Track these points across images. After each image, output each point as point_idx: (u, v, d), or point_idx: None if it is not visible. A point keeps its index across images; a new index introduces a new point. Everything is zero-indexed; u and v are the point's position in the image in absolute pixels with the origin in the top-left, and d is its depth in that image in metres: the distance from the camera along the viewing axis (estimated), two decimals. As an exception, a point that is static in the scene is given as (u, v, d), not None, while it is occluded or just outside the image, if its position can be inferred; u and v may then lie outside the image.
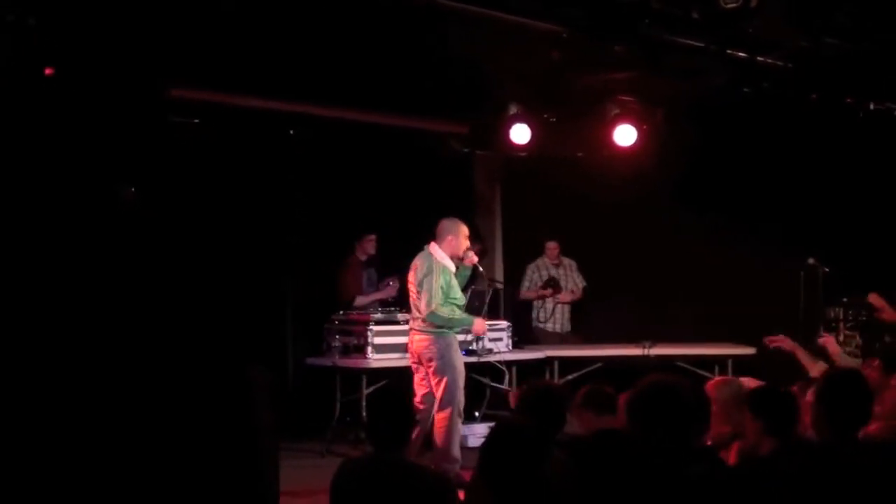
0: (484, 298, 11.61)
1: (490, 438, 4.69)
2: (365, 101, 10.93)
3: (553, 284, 12.96)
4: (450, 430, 9.56)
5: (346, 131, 11.54)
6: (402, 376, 10.55)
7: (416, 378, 9.76)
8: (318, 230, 11.92)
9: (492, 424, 5.20)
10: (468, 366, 10.41)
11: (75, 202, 8.00)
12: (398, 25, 8.61)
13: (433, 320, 9.67)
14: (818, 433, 5.29)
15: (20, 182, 7.49)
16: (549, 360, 12.12)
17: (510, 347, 11.75)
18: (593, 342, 12.94)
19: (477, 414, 11.81)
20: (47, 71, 7.65)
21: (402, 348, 10.82)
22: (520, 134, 11.58)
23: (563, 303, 13.14)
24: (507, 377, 11.65)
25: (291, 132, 11.36)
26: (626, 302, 13.30)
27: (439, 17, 8.22)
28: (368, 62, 9.66)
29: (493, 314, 11.87)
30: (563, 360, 12.16)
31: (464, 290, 10.10)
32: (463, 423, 9.84)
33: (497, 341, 11.48)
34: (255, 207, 11.37)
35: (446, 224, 9.83)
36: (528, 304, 13.24)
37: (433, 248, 9.75)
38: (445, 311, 9.63)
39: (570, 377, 11.79)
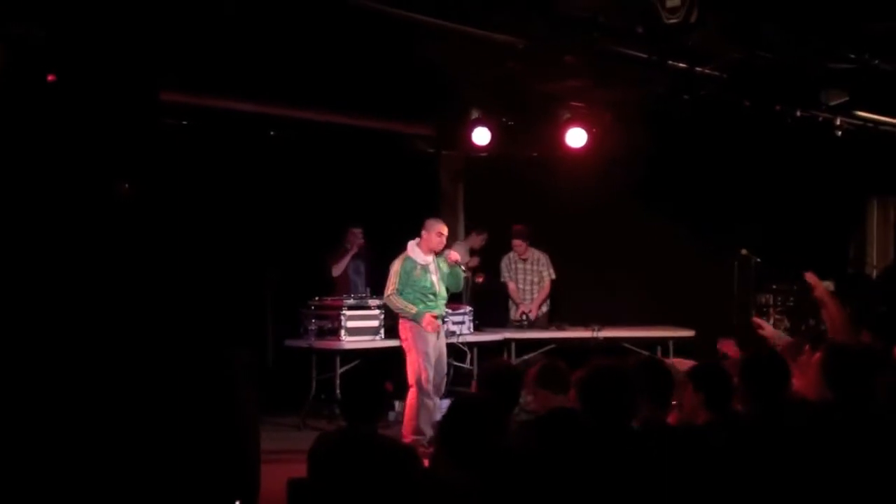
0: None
1: (448, 411, 4.75)
2: (340, 104, 10.95)
3: (528, 320, 12.96)
4: (415, 406, 9.69)
5: (323, 133, 11.56)
6: (373, 357, 10.65)
7: None
8: (296, 223, 11.94)
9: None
10: None
11: (75, 195, 8.00)
12: (371, 36, 8.63)
13: (388, 305, 10.13)
14: (744, 407, 5.38)
15: (26, 178, 7.49)
16: (507, 342, 12.21)
17: (472, 330, 11.86)
18: (550, 325, 13.01)
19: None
20: (50, 77, 7.64)
21: (373, 331, 10.95)
22: (480, 136, 11.63)
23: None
24: (468, 357, 11.76)
25: (272, 133, 11.36)
26: (578, 288, 13.37)
27: (409, 29, 8.23)
28: (343, 69, 9.67)
29: (456, 300, 11.93)
30: (520, 342, 12.24)
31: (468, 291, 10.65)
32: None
33: (460, 324, 11.59)
34: (238, 202, 11.38)
35: (425, 222, 10.13)
36: (498, 297, 13.28)
37: (411, 242, 10.08)
38: (396, 302, 9.96)
39: (525, 357, 11.89)
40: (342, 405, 5.55)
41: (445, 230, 10.16)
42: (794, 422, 5.21)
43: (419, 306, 9.92)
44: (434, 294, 10.07)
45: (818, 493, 4.84)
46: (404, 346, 9.93)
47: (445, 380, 10.34)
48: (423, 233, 10.05)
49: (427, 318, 9.89)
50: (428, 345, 9.90)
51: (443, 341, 10.25)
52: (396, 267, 9.98)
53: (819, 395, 5.57)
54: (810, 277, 7.97)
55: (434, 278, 10.09)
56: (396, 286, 9.93)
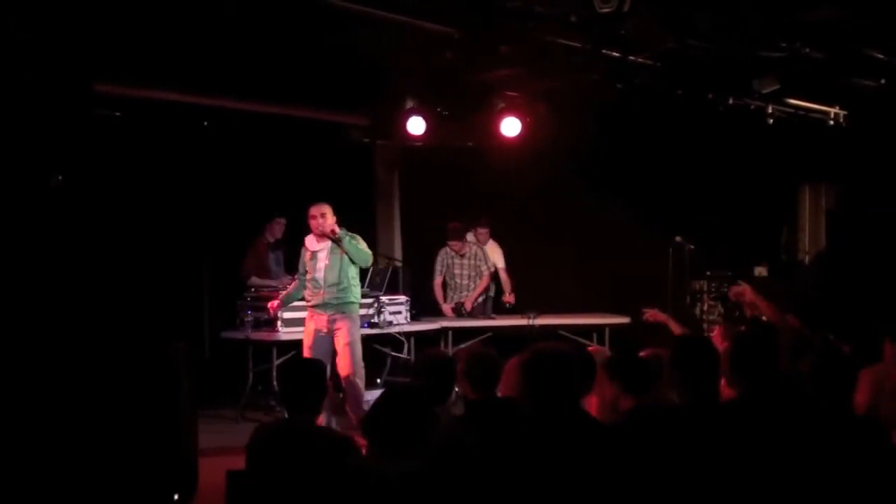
0: (385, 276, 11.75)
1: (378, 401, 4.77)
2: (274, 94, 10.94)
3: (459, 309, 12.94)
4: None
5: (257, 123, 11.53)
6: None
7: None
8: (231, 214, 11.91)
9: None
10: (372, 337, 10.99)
11: (8, 188, 7.93)
12: (305, 25, 8.63)
13: None
14: (678, 396, 5.39)
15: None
16: (443, 331, 12.24)
17: (409, 319, 11.88)
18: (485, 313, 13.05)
19: (379, 381, 11.90)
20: (-22, 70, 7.57)
21: (311, 322, 10.90)
22: (415, 126, 11.66)
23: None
24: (406, 347, 11.79)
25: (205, 123, 11.32)
26: (514, 277, 13.41)
27: (343, 18, 8.24)
28: (277, 59, 9.67)
29: (392, 290, 11.97)
30: (456, 330, 12.28)
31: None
32: (365, 388, 9.92)
33: (396, 314, 11.61)
34: (172, 193, 11.33)
35: None
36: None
37: None
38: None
39: (462, 346, 11.93)
40: (282, 396, 5.56)
41: (316, 210, 9.63)
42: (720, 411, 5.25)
43: (309, 291, 9.79)
44: (315, 280, 9.72)
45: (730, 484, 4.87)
46: None
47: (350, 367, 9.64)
48: None
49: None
50: (307, 334, 9.77)
51: (340, 329, 9.65)
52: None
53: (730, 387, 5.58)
54: (735, 293, 8.03)
55: (321, 265, 9.72)
56: (299, 273, 9.95)
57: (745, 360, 5.42)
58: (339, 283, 9.67)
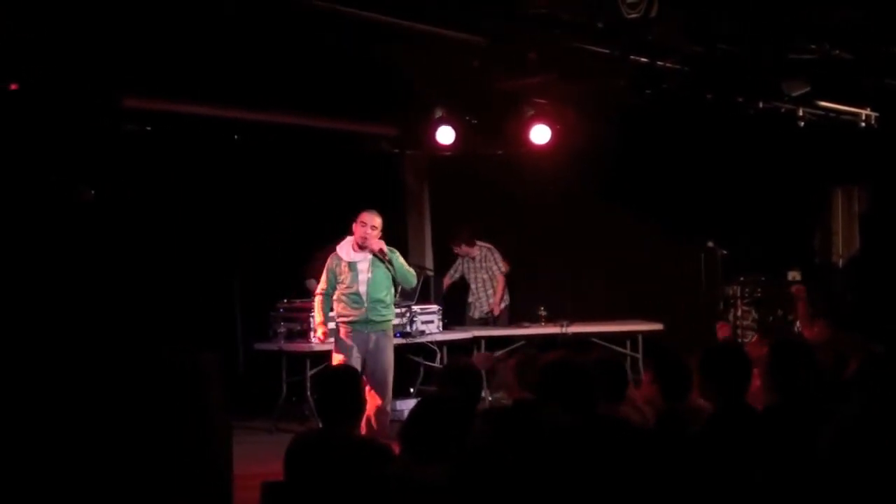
0: (416, 285, 11.76)
1: (415, 409, 4.79)
2: (303, 106, 10.98)
3: (488, 318, 12.99)
4: None
5: (287, 135, 11.58)
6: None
7: None
8: (263, 226, 11.93)
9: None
10: (404, 346, 10.92)
11: (40, 202, 8.01)
12: (334, 37, 8.67)
13: None
14: (709, 402, 5.37)
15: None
16: (476, 340, 12.25)
17: (441, 329, 11.90)
18: (519, 322, 13.04)
19: (412, 390, 11.92)
20: (12, 86, 7.64)
21: (343, 333, 10.90)
22: (445, 135, 11.67)
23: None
24: (438, 356, 11.82)
25: (236, 137, 11.37)
26: (546, 284, 13.43)
27: (370, 30, 8.28)
28: (306, 71, 9.71)
29: (424, 299, 11.98)
30: (489, 340, 12.29)
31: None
32: (398, 398, 9.91)
33: (429, 324, 11.63)
34: (204, 206, 11.39)
35: None
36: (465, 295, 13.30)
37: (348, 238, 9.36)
38: (316, 305, 9.50)
39: (496, 354, 11.93)
40: (319, 406, 5.55)
41: (370, 219, 9.19)
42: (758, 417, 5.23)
43: (346, 306, 9.20)
44: (357, 295, 9.16)
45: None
46: None
47: (385, 395, 9.22)
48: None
49: (318, 330, 9.57)
50: (340, 354, 9.17)
51: (380, 351, 9.19)
52: (326, 264, 9.35)
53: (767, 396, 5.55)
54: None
55: (362, 277, 9.16)
56: (325, 287, 9.33)
57: (785, 367, 5.41)
58: (383, 300, 9.23)
